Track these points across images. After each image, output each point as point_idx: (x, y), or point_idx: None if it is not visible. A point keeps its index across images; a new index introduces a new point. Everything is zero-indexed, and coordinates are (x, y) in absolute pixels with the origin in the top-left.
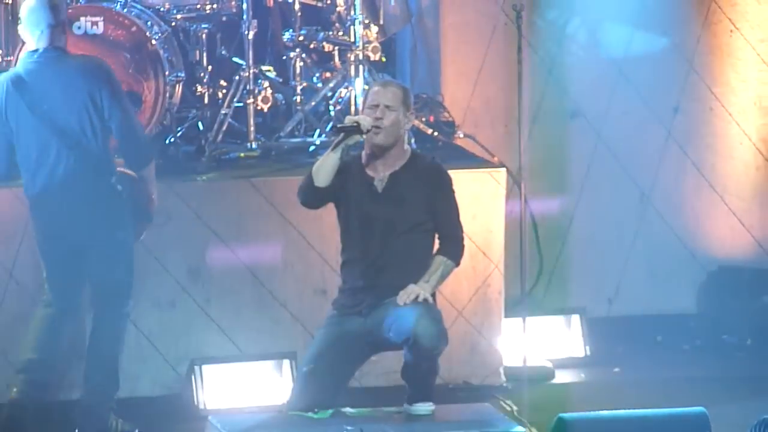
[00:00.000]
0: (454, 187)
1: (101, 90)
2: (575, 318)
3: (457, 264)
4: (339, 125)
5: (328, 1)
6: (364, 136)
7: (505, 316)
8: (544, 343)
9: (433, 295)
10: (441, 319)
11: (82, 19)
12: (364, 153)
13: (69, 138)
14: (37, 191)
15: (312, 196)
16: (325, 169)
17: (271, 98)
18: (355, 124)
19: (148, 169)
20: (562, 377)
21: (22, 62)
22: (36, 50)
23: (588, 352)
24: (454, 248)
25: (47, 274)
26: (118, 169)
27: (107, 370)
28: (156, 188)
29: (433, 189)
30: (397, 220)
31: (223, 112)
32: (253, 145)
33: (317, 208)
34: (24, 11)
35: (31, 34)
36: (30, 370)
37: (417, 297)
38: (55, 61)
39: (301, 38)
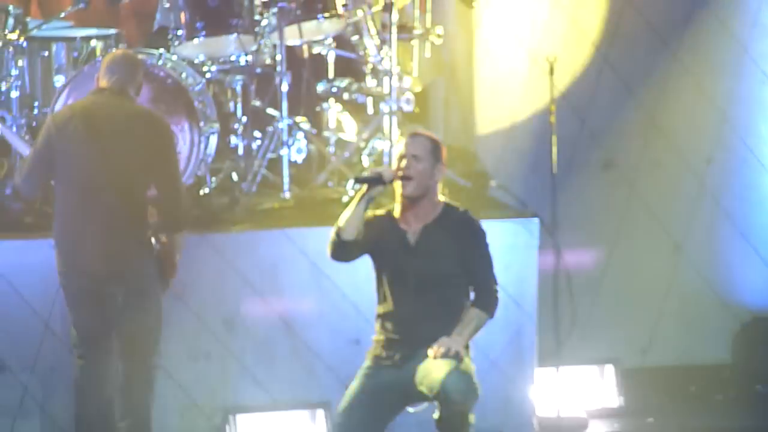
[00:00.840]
0: (488, 239)
1: (155, 145)
2: (609, 368)
3: (491, 316)
4: (360, 177)
5: (362, 53)
6: (386, 186)
7: (539, 366)
8: (577, 394)
9: (467, 346)
10: (472, 374)
11: None
12: (396, 206)
13: (115, 183)
14: (70, 230)
15: (340, 251)
16: (350, 222)
17: (304, 149)
18: (377, 176)
19: (179, 236)
20: (596, 428)
21: (87, 98)
22: (103, 89)
23: (622, 403)
24: (488, 300)
25: (75, 322)
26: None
27: (140, 422)
28: (179, 257)
29: (466, 242)
30: (430, 273)
31: (257, 163)
32: (287, 196)
33: (348, 261)
34: (107, 60)
35: (103, 76)
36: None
37: (449, 350)
38: (120, 104)
39: (334, 89)
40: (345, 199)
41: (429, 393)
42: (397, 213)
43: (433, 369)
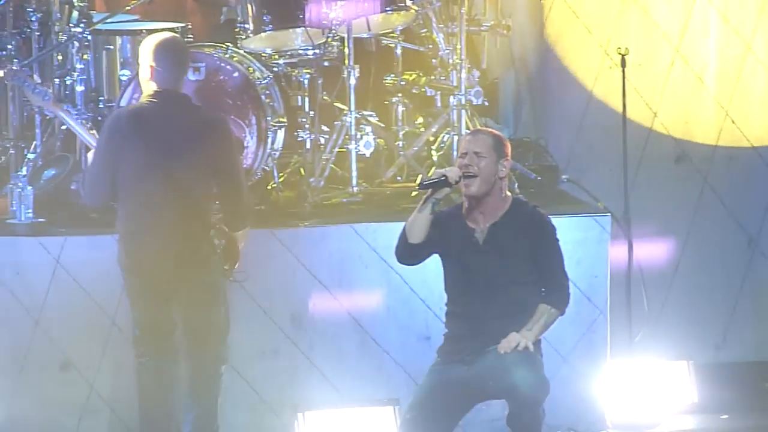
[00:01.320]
0: (558, 234)
1: (219, 145)
2: (682, 364)
3: (562, 312)
4: (425, 182)
5: (431, 46)
6: (453, 188)
7: (611, 363)
8: (650, 390)
9: (538, 342)
10: (541, 368)
11: None
12: (463, 202)
13: (179, 183)
14: (135, 229)
15: (408, 254)
16: (417, 225)
17: (373, 143)
18: (442, 178)
19: (243, 233)
20: (669, 425)
21: (146, 100)
22: (161, 90)
23: (695, 399)
24: (558, 296)
25: (137, 320)
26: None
27: (206, 417)
28: (243, 246)
29: (536, 239)
30: (500, 272)
31: (325, 157)
32: (356, 191)
33: (416, 264)
34: (152, 49)
35: (156, 73)
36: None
37: (518, 345)
38: (181, 105)
39: (403, 83)
40: (414, 194)
41: (498, 388)
42: (464, 210)
43: (501, 364)
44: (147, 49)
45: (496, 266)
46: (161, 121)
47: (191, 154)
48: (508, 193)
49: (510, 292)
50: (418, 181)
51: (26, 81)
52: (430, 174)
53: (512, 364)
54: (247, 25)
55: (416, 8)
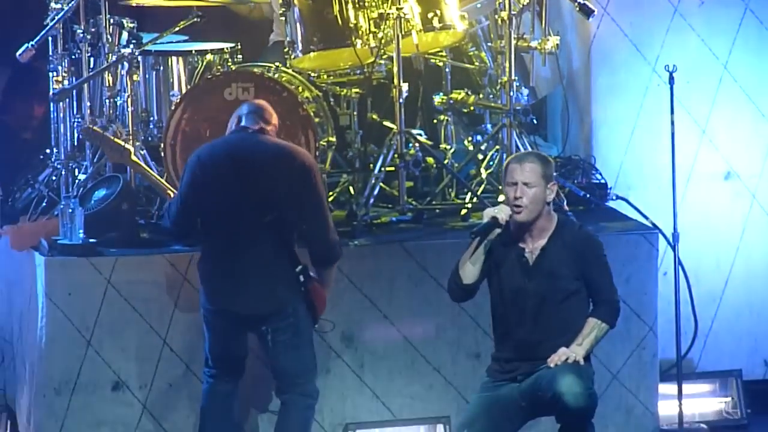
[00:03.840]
0: (606, 251)
1: (301, 180)
2: (731, 380)
3: (612, 326)
4: (476, 230)
5: (479, 64)
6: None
7: (661, 379)
8: (699, 406)
9: (588, 357)
10: (589, 379)
11: (233, 85)
12: (510, 225)
13: (262, 220)
14: (218, 260)
15: (463, 294)
16: (471, 267)
17: (422, 162)
18: (493, 220)
19: (329, 271)
20: None
21: (230, 135)
22: (245, 128)
23: (744, 415)
24: (608, 310)
25: (212, 348)
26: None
27: None
28: (329, 292)
29: (584, 259)
30: (550, 293)
31: (374, 176)
32: (405, 209)
33: (468, 299)
34: (243, 106)
35: (244, 119)
36: None
37: (567, 359)
38: (263, 141)
39: (451, 101)
40: (463, 212)
41: (545, 397)
42: (512, 229)
43: (549, 373)
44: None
45: (546, 288)
46: (245, 154)
47: (278, 185)
48: (553, 213)
49: (559, 312)
50: (470, 229)
51: (103, 139)
52: (480, 192)
53: (559, 372)
54: (296, 45)
55: (465, 27)
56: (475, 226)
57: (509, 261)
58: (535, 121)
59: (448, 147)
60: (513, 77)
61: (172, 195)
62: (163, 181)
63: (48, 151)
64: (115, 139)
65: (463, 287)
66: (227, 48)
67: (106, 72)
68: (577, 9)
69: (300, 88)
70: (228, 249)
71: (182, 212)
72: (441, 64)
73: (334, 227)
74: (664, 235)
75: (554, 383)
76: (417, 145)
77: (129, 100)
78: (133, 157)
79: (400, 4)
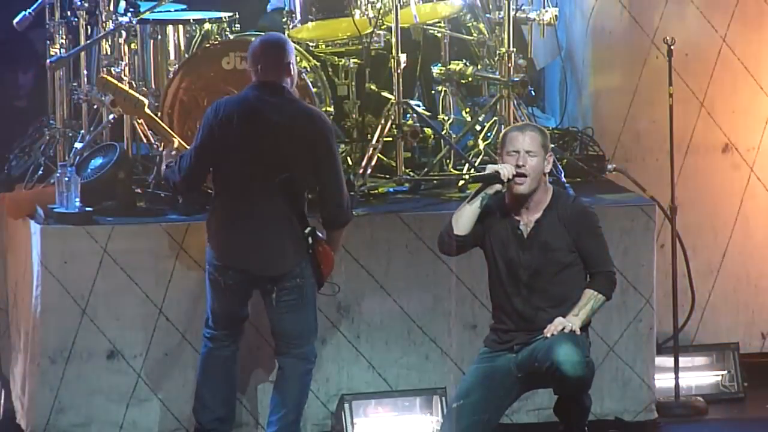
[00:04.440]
0: (602, 223)
1: (317, 142)
2: (728, 353)
3: (608, 298)
4: (479, 174)
5: (477, 35)
6: (504, 185)
7: (657, 352)
8: (696, 379)
9: (585, 327)
10: (585, 348)
11: (231, 54)
12: (506, 196)
13: (280, 175)
14: (228, 216)
15: (451, 245)
16: (465, 217)
17: (419, 132)
18: (495, 173)
19: (338, 233)
20: (716, 413)
21: (247, 92)
22: (261, 84)
23: (741, 388)
24: (604, 282)
25: (213, 309)
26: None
27: (290, 417)
28: (337, 255)
29: (579, 232)
30: (545, 266)
31: (371, 146)
32: (402, 180)
33: (456, 255)
34: (256, 46)
35: (256, 70)
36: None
37: (564, 329)
38: (280, 101)
39: (449, 72)
40: (461, 183)
41: (542, 367)
42: (507, 202)
43: (545, 343)
44: (250, 50)
45: (541, 261)
46: (262, 111)
47: (293, 145)
48: (549, 185)
49: (555, 284)
50: (470, 172)
51: (117, 90)
52: (478, 163)
53: (556, 342)
54: (294, 14)
55: None
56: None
57: (504, 233)
58: (533, 93)
59: (446, 118)
60: (511, 48)
61: (181, 150)
62: (174, 134)
63: (44, 119)
64: (130, 91)
65: (452, 237)
66: (225, 17)
67: (104, 40)
68: None
69: (298, 58)
70: (239, 207)
71: (194, 166)
72: (439, 35)
73: (347, 191)
74: (662, 208)
75: (551, 353)
76: (415, 116)
77: (126, 68)
78: (147, 110)
79: None
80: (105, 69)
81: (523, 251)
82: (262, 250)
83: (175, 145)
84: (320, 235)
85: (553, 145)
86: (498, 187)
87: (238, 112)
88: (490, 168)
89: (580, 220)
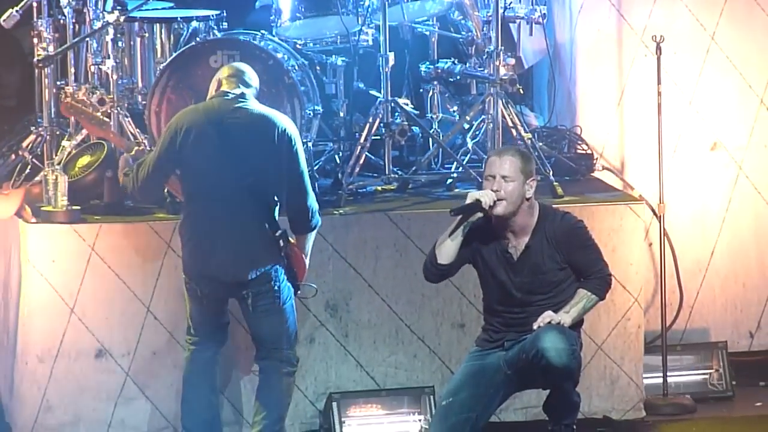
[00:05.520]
0: (593, 223)
1: (282, 146)
2: (717, 352)
3: (602, 298)
4: (458, 208)
5: (466, 33)
6: (486, 212)
7: (645, 350)
8: (684, 378)
9: (577, 328)
10: (572, 340)
11: (219, 52)
12: (492, 218)
13: (243, 186)
14: (198, 225)
15: (437, 274)
16: (448, 247)
17: (408, 131)
18: (476, 202)
19: (308, 237)
20: (704, 412)
21: (212, 100)
22: (227, 92)
23: (730, 387)
24: (599, 283)
25: (193, 316)
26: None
27: (273, 421)
28: (308, 259)
29: (569, 250)
30: (537, 287)
31: (359, 145)
32: (390, 179)
33: (440, 281)
34: (226, 68)
35: (226, 83)
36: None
37: (551, 321)
38: (245, 106)
39: (438, 71)
40: (449, 181)
41: (529, 358)
42: (493, 222)
43: (534, 335)
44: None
45: (533, 283)
46: (226, 119)
47: (258, 151)
48: (535, 202)
49: (548, 297)
50: (450, 208)
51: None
52: (466, 161)
53: (542, 331)
54: (281, 12)
55: None
56: (460, 197)
57: (494, 256)
58: (521, 91)
59: (435, 116)
60: (499, 47)
61: (137, 157)
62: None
63: (32, 117)
64: (94, 113)
65: (438, 266)
66: (212, 15)
67: (91, 38)
68: None
69: (286, 56)
70: (208, 215)
71: (151, 176)
72: (428, 32)
73: (314, 195)
74: (650, 206)
75: (537, 341)
76: (403, 114)
77: (113, 67)
78: (111, 129)
79: None
80: (93, 68)
81: (514, 274)
82: (232, 257)
83: (132, 153)
84: (291, 239)
85: (541, 144)
86: (480, 215)
87: (200, 119)
88: (470, 197)
89: (569, 239)
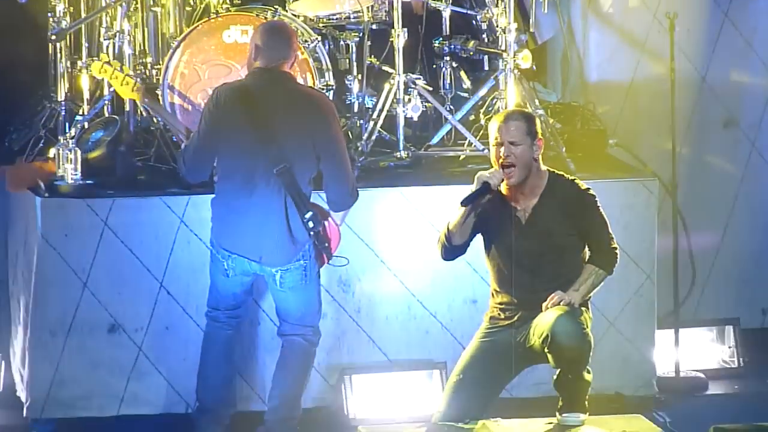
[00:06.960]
0: (605, 199)
1: (324, 126)
2: (729, 329)
3: (609, 273)
4: (468, 197)
5: (479, 9)
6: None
7: (658, 327)
8: (697, 354)
9: (586, 302)
10: (584, 323)
11: (232, 27)
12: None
13: (279, 162)
14: (230, 204)
15: (451, 253)
16: (461, 231)
17: (420, 107)
18: (485, 184)
19: (342, 215)
20: (716, 388)
21: (248, 78)
22: (263, 70)
23: (742, 363)
24: (606, 258)
25: (215, 290)
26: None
27: (291, 397)
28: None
29: (578, 214)
30: (545, 250)
31: (372, 121)
32: (403, 154)
33: (459, 257)
34: (260, 30)
35: (260, 54)
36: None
37: (561, 301)
38: (283, 85)
39: (451, 46)
40: (462, 157)
41: (539, 339)
42: (503, 189)
43: (544, 317)
44: (255, 32)
45: (541, 246)
46: (263, 98)
47: (295, 132)
48: (543, 167)
49: (557, 266)
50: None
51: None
52: (478, 138)
53: (552, 313)
54: None
55: None
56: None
57: (501, 220)
58: (534, 68)
59: (447, 92)
60: (513, 22)
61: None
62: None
63: (45, 91)
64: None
65: (453, 247)
66: None
67: (105, 13)
68: None
69: (299, 31)
70: (240, 195)
71: (197, 156)
72: (441, 8)
73: (353, 175)
74: (663, 183)
75: (547, 324)
76: (416, 90)
77: (127, 41)
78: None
79: None
80: (107, 42)
81: (523, 238)
82: (265, 242)
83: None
84: (326, 210)
85: (553, 120)
86: (489, 196)
87: (237, 99)
88: (477, 180)
89: (578, 202)
